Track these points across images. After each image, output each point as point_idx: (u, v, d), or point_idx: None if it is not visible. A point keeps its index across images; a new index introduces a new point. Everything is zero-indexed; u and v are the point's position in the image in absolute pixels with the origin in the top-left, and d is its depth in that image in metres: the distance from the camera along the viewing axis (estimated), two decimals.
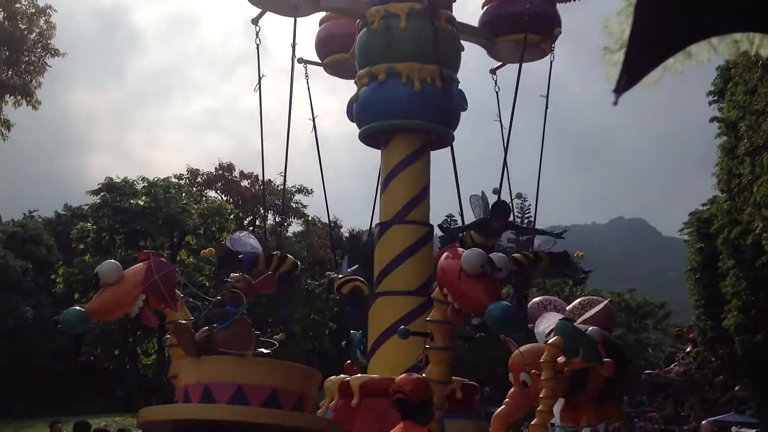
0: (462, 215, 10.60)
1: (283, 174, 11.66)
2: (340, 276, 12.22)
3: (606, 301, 14.52)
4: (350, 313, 12.19)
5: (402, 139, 11.29)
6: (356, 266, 12.38)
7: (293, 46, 12.25)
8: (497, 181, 11.24)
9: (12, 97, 18.12)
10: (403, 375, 7.45)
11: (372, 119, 11.42)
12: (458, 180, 10.57)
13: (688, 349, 38.16)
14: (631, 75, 1.76)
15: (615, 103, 1.79)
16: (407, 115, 11.10)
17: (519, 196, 10.69)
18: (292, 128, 12.10)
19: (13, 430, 36.59)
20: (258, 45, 11.57)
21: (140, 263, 7.48)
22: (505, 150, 11.16)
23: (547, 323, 13.15)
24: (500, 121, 12.01)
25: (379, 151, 11.83)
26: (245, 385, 5.32)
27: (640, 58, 1.76)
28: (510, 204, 11.21)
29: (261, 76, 11.57)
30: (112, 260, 8.38)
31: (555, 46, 12.45)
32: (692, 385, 36.29)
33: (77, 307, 7.84)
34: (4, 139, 18.14)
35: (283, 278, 11.04)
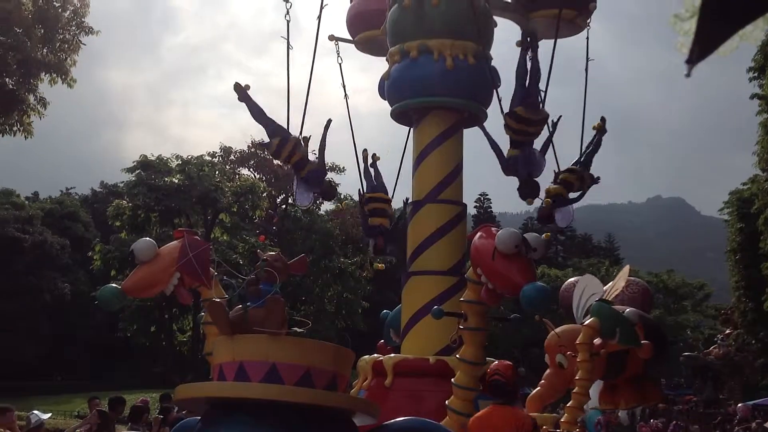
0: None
1: (314, 152, 11.55)
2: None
3: (625, 270, 14.35)
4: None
5: (434, 116, 11.19)
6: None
7: (319, 18, 12.14)
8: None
9: (47, 75, 18.24)
10: (497, 361, 7.90)
11: (403, 97, 11.33)
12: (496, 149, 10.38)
13: (728, 331, 37.71)
14: (704, 44, 1.64)
15: (688, 75, 1.68)
16: (439, 93, 10.99)
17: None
18: (325, 105, 12.10)
19: (54, 405, 37.28)
20: (288, 21, 11.46)
21: (175, 241, 7.52)
22: (551, 130, 10.97)
23: (579, 295, 13.01)
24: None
25: (411, 129, 11.76)
26: (279, 364, 5.32)
27: (715, 25, 1.62)
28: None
29: (289, 48, 11.47)
30: (148, 238, 8.43)
31: (590, 21, 12.22)
32: (732, 367, 35.89)
33: (113, 285, 7.92)
34: (40, 117, 18.29)
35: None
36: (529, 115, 10.16)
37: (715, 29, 1.63)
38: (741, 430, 18.07)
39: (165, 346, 51.69)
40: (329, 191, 13.66)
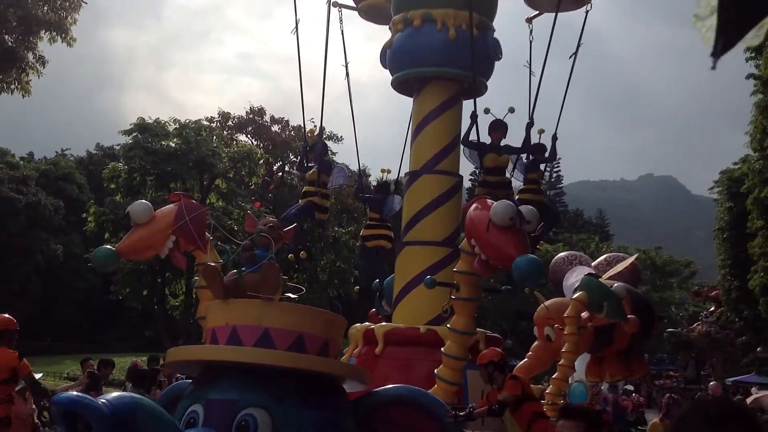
0: (477, 130, 10.52)
1: (313, 120, 11.68)
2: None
3: (634, 257, 14.44)
4: (363, 268, 12.29)
5: (435, 87, 11.18)
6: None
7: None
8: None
9: (47, 33, 18.05)
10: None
11: (405, 66, 11.31)
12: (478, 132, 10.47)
13: (711, 309, 38.00)
14: (728, 37, 1.68)
15: (713, 68, 1.72)
16: (441, 63, 10.98)
17: (512, 110, 10.66)
18: (328, 74, 12.08)
19: (45, 366, 37.42)
20: None
21: (171, 204, 7.54)
22: (533, 102, 11.01)
23: (576, 277, 13.11)
24: (530, 69, 11.78)
25: (411, 99, 11.75)
26: (272, 329, 5.37)
27: (736, 18, 1.67)
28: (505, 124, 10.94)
29: (297, 20, 11.49)
30: (144, 200, 8.46)
31: None
32: (714, 344, 36.21)
33: (108, 246, 7.94)
34: (39, 76, 18.14)
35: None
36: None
37: (736, 22, 1.67)
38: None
39: (157, 310, 51.74)
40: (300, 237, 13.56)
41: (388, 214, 11.71)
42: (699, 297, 37.93)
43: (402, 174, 11.98)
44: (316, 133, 12.35)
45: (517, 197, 10.46)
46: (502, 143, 10.64)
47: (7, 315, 9.45)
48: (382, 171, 12.34)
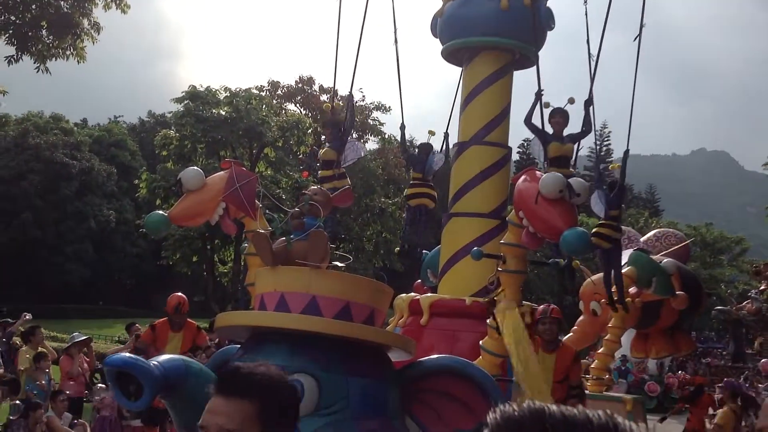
0: (541, 108, 9.83)
1: (362, 90, 11.65)
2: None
3: (689, 241, 14.23)
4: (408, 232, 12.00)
5: (485, 57, 11.08)
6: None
7: None
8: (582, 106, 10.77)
9: None
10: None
11: (456, 35, 11.22)
12: (542, 100, 9.94)
13: (762, 287, 37.38)
14: None
15: None
16: (492, 33, 10.86)
17: (571, 101, 9.90)
18: (374, 43, 12.03)
19: (95, 329, 38.26)
20: None
21: (222, 172, 7.62)
22: (592, 76, 10.70)
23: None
24: (588, 47, 11.42)
25: (462, 69, 11.65)
26: (319, 296, 5.42)
27: None
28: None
29: None
30: (195, 167, 8.55)
31: None
32: (764, 323, 35.62)
33: (160, 212, 8.05)
34: (93, 43, 18.32)
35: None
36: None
37: None
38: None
39: (206, 276, 52.45)
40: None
41: (429, 173, 11.58)
42: (759, 276, 37.23)
43: (445, 144, 11.85)
44: (341, 105, 11.86)
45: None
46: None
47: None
48: (429, 132, 12.16)
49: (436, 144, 11.99)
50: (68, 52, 17.87)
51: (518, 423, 0.97)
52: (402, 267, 49.32)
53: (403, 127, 12.29)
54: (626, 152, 9.39)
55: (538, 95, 9.42)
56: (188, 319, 11.35)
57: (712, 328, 53.42)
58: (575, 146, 9.65)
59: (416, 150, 12.14)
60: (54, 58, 17.84)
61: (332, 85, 12.13)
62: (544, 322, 8.19)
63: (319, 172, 11.23)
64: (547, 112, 9.45)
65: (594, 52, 10.52)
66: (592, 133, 9.92)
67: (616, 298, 10.13)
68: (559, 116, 9.29)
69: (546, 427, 0.94)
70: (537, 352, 8.00)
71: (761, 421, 1.88)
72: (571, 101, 9.62)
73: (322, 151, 11.54)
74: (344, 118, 11.94)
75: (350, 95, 11.78)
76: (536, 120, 9.40)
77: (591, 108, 9.70)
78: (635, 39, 10.96)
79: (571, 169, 9.83)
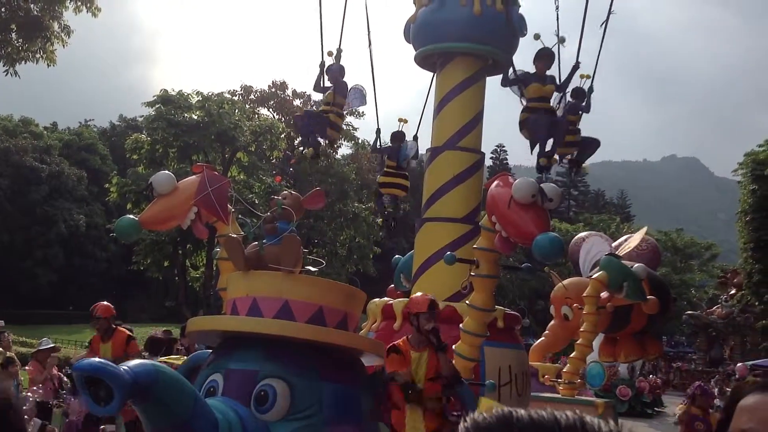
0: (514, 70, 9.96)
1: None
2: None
3: (643, 229, 14.31)
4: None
5: (458, 62, 11.11)
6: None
7: None
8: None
9: (72, 2, 18.07)
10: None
11: (429, 41, 11.24)
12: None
13: (732, 292, 37.83)
14: None
15: None
16: (465, 38, 10.89)
17: (562, 40, 10.07)
18: (348, 48, 11.99)
19: (64, 335, 37.86)
20: None
21: (194, 176, 7.56)
22: (578, 45, 10.65)
23: (591, 249, 13.02)
24: (558, 33, 11.37)
25: (435, 74, 11.67)
26: (292, 301, 5.39)
27: None
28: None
29: None
30: (167, 171, 8.48)
31: None
32: (733, 328, 36.07)
33: (131, 216, 7.97)
34: (63, 46, 18.18)
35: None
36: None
37: None
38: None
39: (178, 281, 52.16)
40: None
41: (403, 160, 11.64)
42: (726, 286, 37.69)
43: (421, 146, 11.90)
44: (334, 54, 11.94)
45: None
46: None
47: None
48: (400, 120, 12.19)
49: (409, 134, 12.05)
50: (38, 55, 17.72)
51: (486, 429, 0.97)
52: (375, 272, 49.38)
53: (378, 131, 12.31)
54: (575, 66, 10.18)
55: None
56: (120, 328, 11.67)
57: (683, 333, 53.95)
58: (561, 98, 10.03)
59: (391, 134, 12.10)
60: (24, 61, 17.69)
61: (310, 95, 12.18)
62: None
63: (321, 107, 11.59)
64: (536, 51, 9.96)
65: (572, 53, 10.61)
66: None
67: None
68: (544, 59, 9.50)
69: (514, 431, 0.94)
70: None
71: (744, 423, 1.88)
72: (562, 40, 9.81)
73: (325, 94, 11.74)
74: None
75: (339, 49, 11.82)
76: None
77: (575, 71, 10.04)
78: (601, 25, 11.10)
79: (553, 106, 10.07)
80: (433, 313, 7.38)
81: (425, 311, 7.33)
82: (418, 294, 7.72)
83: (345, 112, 11.40)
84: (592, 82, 10.72)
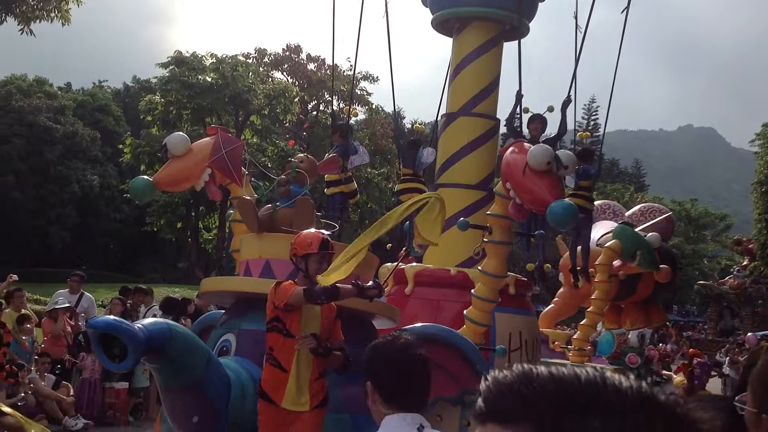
0: (520, 111, 9.83)
1: (349, 59, 11.53)
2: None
3: (669, 213, 14.33)
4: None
5: (475, 27, 11.01)
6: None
7: None
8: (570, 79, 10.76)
9: None
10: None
11: (446, 5, 11.14)
12: (521, 75, 9.86)
13: (744, 263, 37.71)
14: None
15: None
16: (483, 2, 10.79)
17: (551, 109, 9.86)
18: (364, 12, 11.88)
19: None
20: None
21: (208, 137, 7.55)
22: (578, 53, 10.68)
23: (600, 230, 13.06)
24: (576, 17, 11.37)
25: (451, 39, 11.58)
26: None
27: None
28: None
29: None
30: (181, 132, 8.46)
31: None
32: (745, 298, 35.97)
33: (145, 177, 7.98)
34: (78, 5, 18.10)
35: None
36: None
37: None
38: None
39: (190, 243, 52.39)
40: None
41: (420, 167, 11.48)
42: (738, 246, 37.57)
43: (440, 117, 11.83)
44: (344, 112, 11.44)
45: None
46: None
47: None
48: (415, 128, 12.05)
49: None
50: (53, 14, 17.64)
51: (508, 386, 0.98)
52: (386, 237, 49.45)
53: (396, 118, 12.18)
54: (566, 102, 9.82)
55: (519, 98, 9.56)
56: None
57: (694, 303, 53.90)
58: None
59: (407, 144, 11.70)
60: (38, 20, 17.62)
61: (324, 59, 11.99)
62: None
63: (326, 177, 10.67)
64: (526, 117, 9.54)
65: (582, 27, 10.50)
66: (579, 109, 10.01)
67: (579, 269, 10.30)
68: (538, 122, 9.33)
69: (535, 387, 0.95)
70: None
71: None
72: (550, 109, 9.65)
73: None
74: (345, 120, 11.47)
75: (350, 105, 11.68)
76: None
77: (567, 110, 9.82)
78: (623, 11, 10.99)
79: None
80: (326, 254, 5.40)
81: (316, 252, 5.35)
82: (309, 231, 5.61)
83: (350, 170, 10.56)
84: (615, 74, 10.65)
